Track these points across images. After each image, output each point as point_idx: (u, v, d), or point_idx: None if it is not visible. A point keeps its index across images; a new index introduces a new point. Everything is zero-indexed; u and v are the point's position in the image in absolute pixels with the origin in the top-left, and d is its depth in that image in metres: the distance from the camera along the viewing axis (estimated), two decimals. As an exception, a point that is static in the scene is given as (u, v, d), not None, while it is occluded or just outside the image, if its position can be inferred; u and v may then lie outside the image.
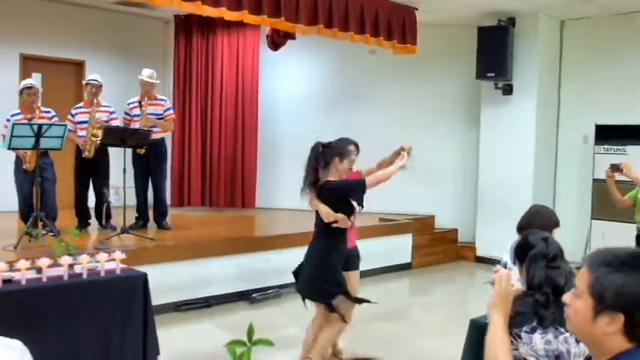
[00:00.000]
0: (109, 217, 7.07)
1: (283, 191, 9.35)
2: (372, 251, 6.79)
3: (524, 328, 2.53)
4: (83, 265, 3.93)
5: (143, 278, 4.13)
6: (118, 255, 4.08)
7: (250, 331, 1.67)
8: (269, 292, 6.65)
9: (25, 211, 6.63)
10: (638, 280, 1.53)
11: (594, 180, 8.18)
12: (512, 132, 8.79)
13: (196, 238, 7.11)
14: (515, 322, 2.60)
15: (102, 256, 4.00)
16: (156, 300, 5.86)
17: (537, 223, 3.60)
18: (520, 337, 2.56)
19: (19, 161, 6.65)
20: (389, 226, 8.52)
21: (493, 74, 8.49)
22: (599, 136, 8.31)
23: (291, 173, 9.75)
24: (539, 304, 2.47)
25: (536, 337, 2.48)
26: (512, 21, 8.65)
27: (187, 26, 9.40)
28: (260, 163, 9.72)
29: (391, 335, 5.74)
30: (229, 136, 9.51)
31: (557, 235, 3.69)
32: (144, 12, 9.37)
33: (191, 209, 9.43)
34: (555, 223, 3.72)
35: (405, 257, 8.51)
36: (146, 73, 7.30)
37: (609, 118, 8.26)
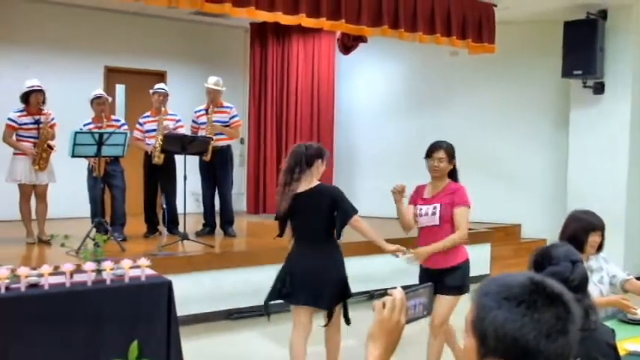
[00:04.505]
0: (172, 223, 7.13)
1: (360, 198, 9.01)
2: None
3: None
4: (107, 271, 3.93)
5: (167, 286, 4.05)
6: (143, 262, 4.04)
7: (138, 350, 1.50)
8: (327, 302, 6.40)
9: (96, 217, 6.83)
10: (523, 320, 1.16)
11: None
12: (604, 134, 8.04)
13: (256, 246, 7.02)
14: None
15: (126, 262, 3.98)
16: (207, 308, 5.90)
17: (570, 228, 3.25)
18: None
19: (91, 168, 6.89)
20: (465, 236, 8.02)
21: (580, 72, 7.81)
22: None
23: (368, 180, 9.55)
24: None
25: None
26: (603, 14, 7.93)
27: (262, 33, 9.40)
28: (336, 169, 9.52)
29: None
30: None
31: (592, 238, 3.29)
32: (222, 21, 9.47)
33: (267, 216, 9.39)
34: (590, 225, 3.29)
35: (483, 268, 7.95)
36: (212, 81, 7.35)
37: None
